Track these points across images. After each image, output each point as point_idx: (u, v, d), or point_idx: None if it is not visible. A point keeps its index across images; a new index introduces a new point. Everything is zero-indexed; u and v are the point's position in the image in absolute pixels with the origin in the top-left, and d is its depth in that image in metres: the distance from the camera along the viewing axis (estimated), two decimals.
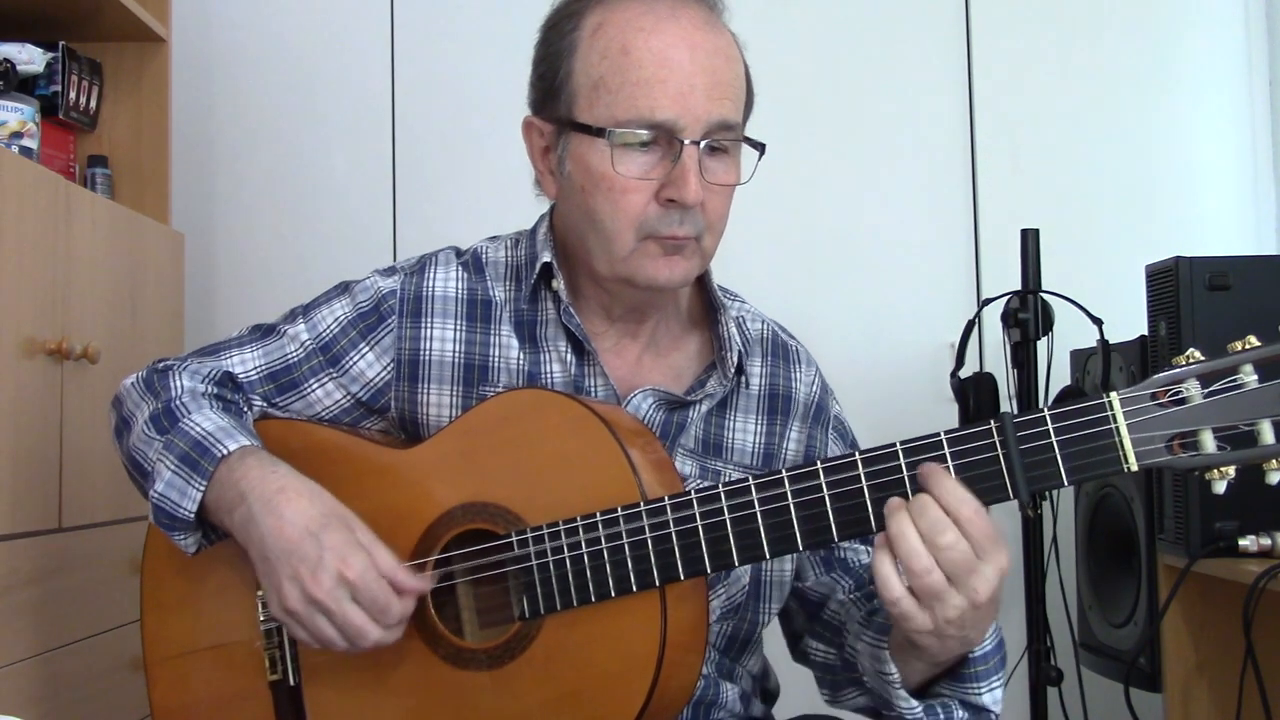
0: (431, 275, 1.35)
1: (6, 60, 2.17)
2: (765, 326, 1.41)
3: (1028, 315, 2.19)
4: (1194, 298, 1.96)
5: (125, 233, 2.20)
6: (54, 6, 2.29)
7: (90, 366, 1.97)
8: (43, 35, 2.26)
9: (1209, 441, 1.03)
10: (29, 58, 2.21)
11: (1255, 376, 1.02)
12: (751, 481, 1.12)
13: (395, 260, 2.80)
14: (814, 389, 1.41)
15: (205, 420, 1.25)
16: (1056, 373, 2.26)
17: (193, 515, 1.22)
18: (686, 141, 1.19)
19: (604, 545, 1.13)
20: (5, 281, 1.77)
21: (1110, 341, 2.12)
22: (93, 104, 2.39)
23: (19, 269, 1.81)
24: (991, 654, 1.15)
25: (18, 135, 2.08)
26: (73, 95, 2.30)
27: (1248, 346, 1.03)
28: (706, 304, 1.37)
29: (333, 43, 2.89)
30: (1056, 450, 1.05)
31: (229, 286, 2.86)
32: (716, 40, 1.23)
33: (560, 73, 1.24)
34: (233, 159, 2.89)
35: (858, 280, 2.82)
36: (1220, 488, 1.05)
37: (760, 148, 1.26)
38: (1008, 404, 2.21)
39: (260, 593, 1.26)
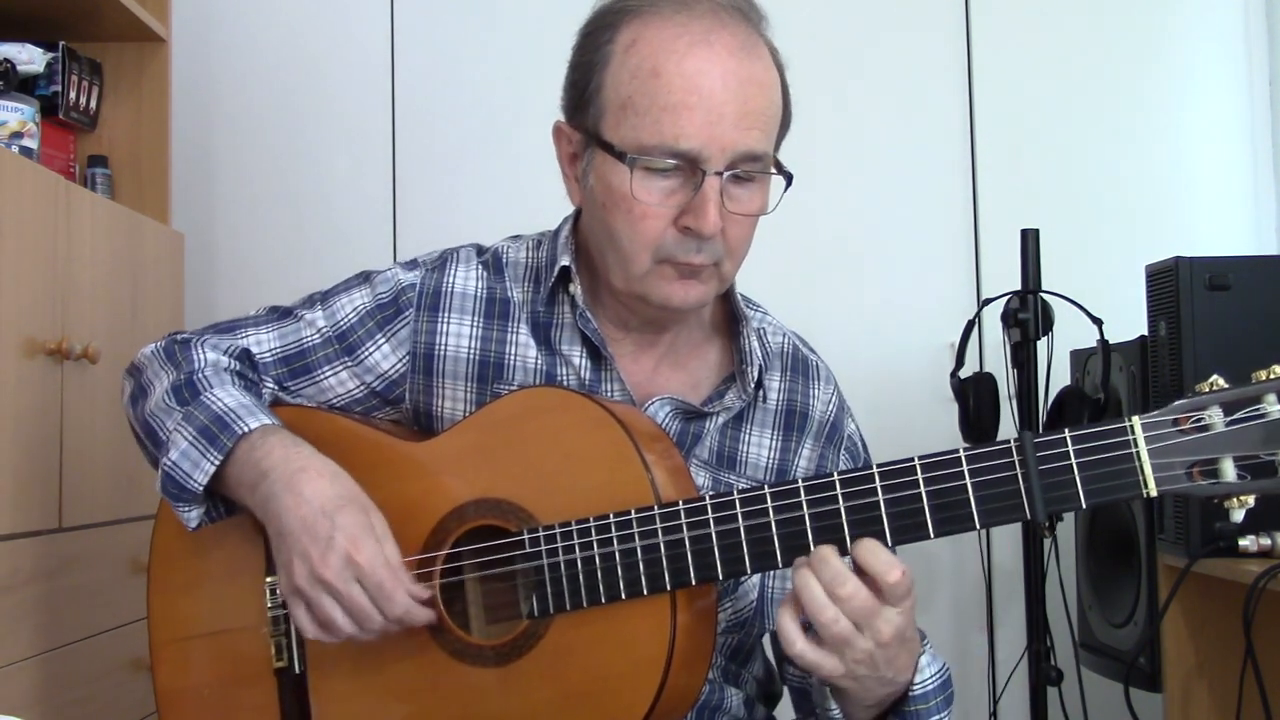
0: (452, 272, 1.34)
1: (6, 60, 2.17)
2: (786, 340, 1.40)
3: (1028, 315, 2.19)
4: (1194, 298, 1.96)
5: (125, 233, 2.20)
6: (54, 6, 2.29)
7: (90, 366, 1.97)
8: (43, 35, 2.26)
9: (1229, 470, 1.03)
10: (29, 58, 2.21)
11: (1278, 407, 1.02)
12: (767, 490, 1.11)
13: (395, 260, 2.82)
14: (830, 407, 1.40)
15: (228, 395, 1.26)
16: (1056, 373, 2.26)
17: (201, 488, 1.22)
18: (709, 172, 1.17)
19: (616, 548, 1.13)
20: (5, 281, 1.77)
21: (1110, 341, 2.12)
22: (93, 104, 2.39)
23: (19, 269, 1.81)
24: (933, 693, 1.16)
25: (18, 135, 2.08)
26: (73, 95, 2.30)
27: (1272, 376, 1.03)
28: (728, 314, 1.36)
29: (333, 43, 2.89)
30: (1076, 473, 1.05)
31: (229, 286, 2.86)
32: (751, 66, 1.20)
33: (591, 84, 1.23)
34: (233, 159, 2.88)
35: (858, 280, 2.82)
36: (1238, 516, 1.05)
37: (788, 177, 1.24)
38: (1008, 404, 2.21)
39: (269, 579, 1.26)
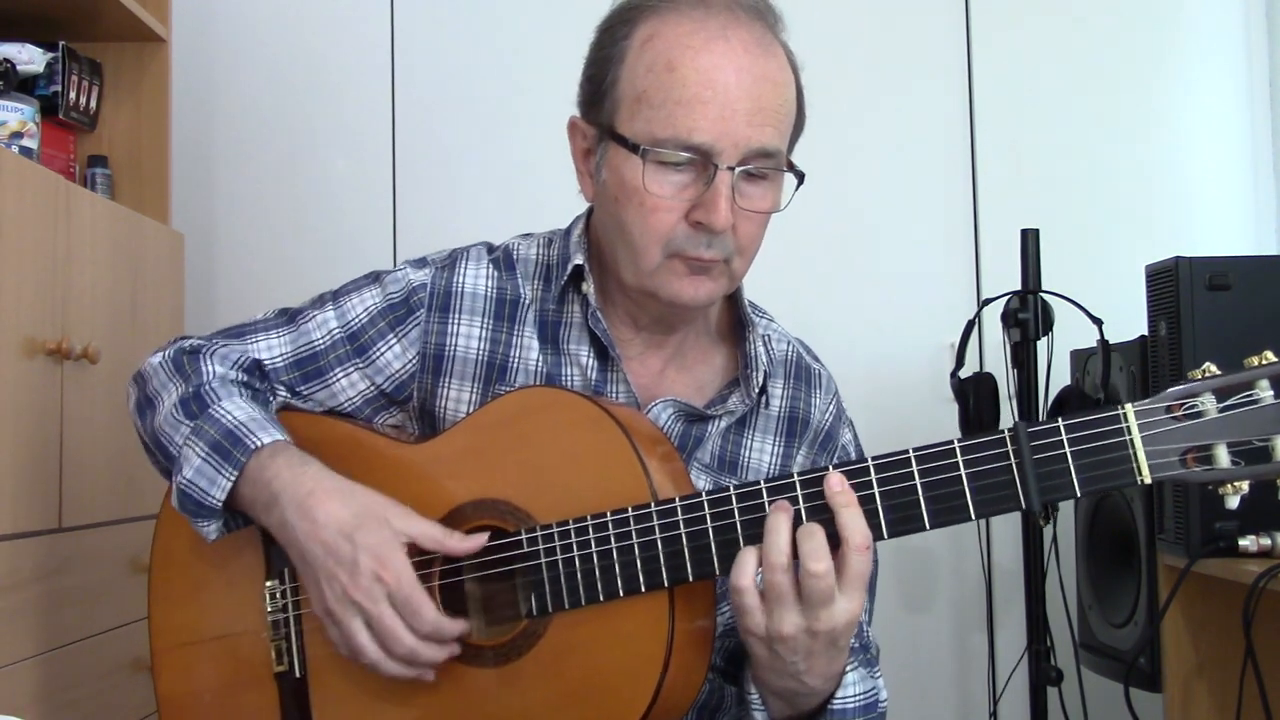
0: (462, 271, 1.34)
1: (6, 60, 2.16)
2: (790, 348, 1.41)
3: (1028, 315, 2.19)
4: (1194, 298, 1.96)
5: (125, 233, 2.20)
6: (54, 6, 2.29)
7: (90, 366, 1.97)
8: (43, 35, 2.26)
9: (1223, 456, 1.03)
10: (29, 58, 2.21)
11: (1271, 393, 1.02)
12: (763, 485, 1.12)
13: (395, 259, 2.83)
14: (828, 416, 1.40)
15: (236, 409, 1.26)
16: (1056, 373, 2.26)
17: (220, 504, 1.22)
18: (721, 167, 1.18)
19: (614, 545, 1.14)
20: (5, 281, 1.77)
21: (1110, 341, 2.12)
22: (93, 104, 2.38)
23: (19, 269, 1.81)
24: (854, 712, 1.17)
25: (18, 135, 2.08)
26: (73, 95, 2.30)
27: (1264, 362, 1.03)
28: (735, 319, 1.37)
29: (333, 43, 2.89)
30: (1070, 461, 1.05)
31: (229, 286, 2.86)
32: (766, 64, 1.21)
33: (607, 79, 1.24)
34: (233, 159, 2.88)
35: (858, 280, 2.82)
36: (1233, 503, 1.05)
37: (800, 176, 1.24)
38: (1008, 404, 2.21)
39: (269, 584, 1.27)
